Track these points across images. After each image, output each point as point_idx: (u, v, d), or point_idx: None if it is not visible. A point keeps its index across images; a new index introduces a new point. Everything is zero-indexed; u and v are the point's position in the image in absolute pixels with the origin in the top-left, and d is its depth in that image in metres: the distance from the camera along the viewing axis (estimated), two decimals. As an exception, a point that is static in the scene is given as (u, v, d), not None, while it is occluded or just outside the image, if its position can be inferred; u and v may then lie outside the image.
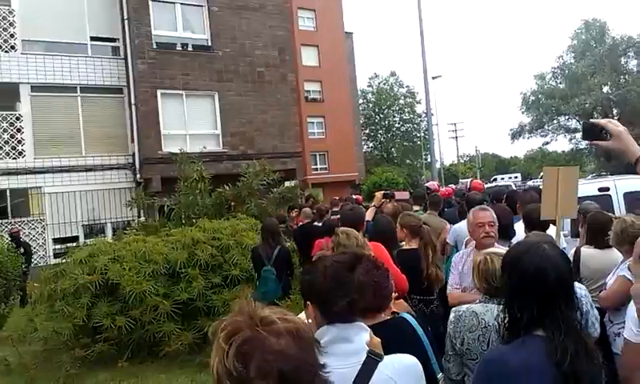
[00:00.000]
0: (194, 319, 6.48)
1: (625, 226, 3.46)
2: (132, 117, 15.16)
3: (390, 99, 56.12)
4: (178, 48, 15.28)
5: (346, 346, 1.61)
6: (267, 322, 0.97)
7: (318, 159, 36.26)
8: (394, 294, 3.26)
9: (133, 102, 15.06)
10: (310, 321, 1.69)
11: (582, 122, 1.93)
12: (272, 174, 10.37)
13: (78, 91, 15.28)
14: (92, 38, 15.56)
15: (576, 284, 3.05)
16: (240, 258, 6.99)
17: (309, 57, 34.47)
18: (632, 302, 2.11)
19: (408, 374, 1.62)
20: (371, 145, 57.40)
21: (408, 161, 56.76)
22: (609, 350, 3.39)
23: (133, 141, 15.33)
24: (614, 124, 1.84)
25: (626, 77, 34.62)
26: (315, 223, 7.91)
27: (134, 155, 15.35)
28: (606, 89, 34.71)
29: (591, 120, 1.93)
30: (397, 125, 57.13)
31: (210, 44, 15.62)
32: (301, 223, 8.52)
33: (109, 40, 15.95)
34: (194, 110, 15.16)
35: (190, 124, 15.04)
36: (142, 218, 12.33)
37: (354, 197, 12.45)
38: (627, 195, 6.57)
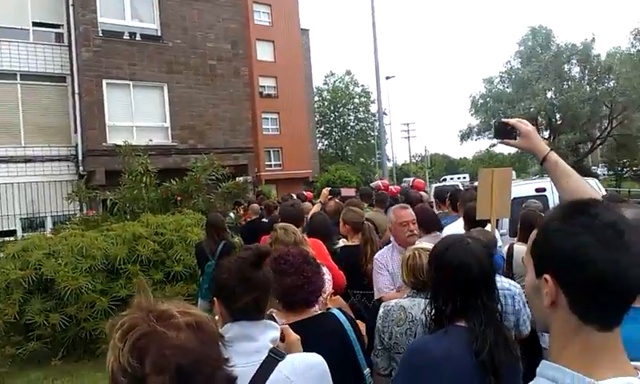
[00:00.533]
0: (133, 316, 6.31)
1: None
2: (75, 106, 14.59)
3: (346, 98, 56.49)
4: (126, 37, 14.76)
5: (248, 344, 1.58)
6: (166, 317, 0.94)
7: (272, 155, 36.06)
8: (329, 290, 3.29)
9: (76, 91, 14.48)
10: (217, 317, 1.67)
11: (494, 122, 1.95)
12: (221, 168, 10.22)
13: (18, 78, 14.52)
14: (34, 24, 14.83)
15: (510, 282, 3.18)
16: (184, 254, 6.87)
17: (264, 52, 34.19)
18: None
19: (307, 373, 1.59)
20: (326, 142, 57.63)
21: (362, 159, 57.35)
22: (538, 345, 3.55)
23: (76, 131, 14.75)
24: (523, 123, 1.91)
25: (569, 83, 36.16)
26: (263, 219, 7.86)
27: (76, 146, 14.76)
28: (549, 94, 36.16)
29: (502, 119, 1.99)
30: (351, 123, 57.59)
31: (159, 34, 15.19)
32: (249, 219, 8.46)
33: (52, 26, 15.27)
34: (141, 101, 14.70)
35: (138, 116, 14.59)
36: (84, 212, 11.85)
37: (304, 193, 12.47)
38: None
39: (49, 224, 14.08)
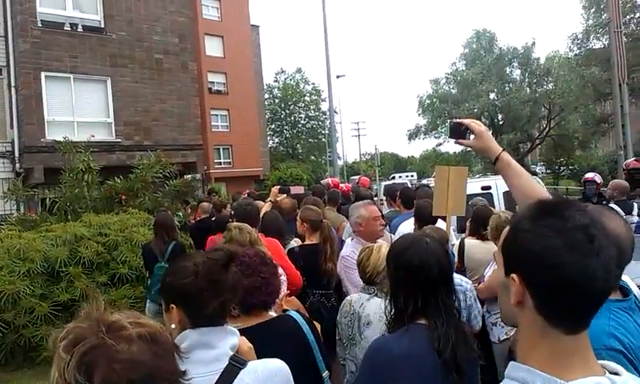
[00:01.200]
0: (76, 321, 6.03)
1: (499, 221, 3.75)
2: (11, 100, 13.73)
3: (296, 95, 56.39)
4: (67, 28, 14.04)
5: (206, 353, 1.50)
6: (116, 328, 0.87)
7: (221, 153, 35.48)
8: (285, 290, 3.25)
9: (13, 84, 13.65)
10: (173, 326, 1.55)
11: (448, 122, 2.01)
12: (169, 166, 9.93)
13: (-52, 70, 13.54)
14: (-34, 13, 13.84)
15: (462, 278, 3.26)
16: (129, 255, 6.64)
17: (213, 47, 33.53)
18: None
19: (271, 380, 1.53)
20: (277, 140, 57.34)
21: (313, 157, 57.46)
22: (487, 339, 3.66)
23: (12, 127, 13.88)
24: (476, 124, 1.94)
25: (510, 85, 37.72)
26: (213, 218, 7.70)
27: (12, 142, 13.91)
28: (492, 95, 37.60)
29: (457, 120, 2.01)
30: (302, 121, 57.57)
31: (102, 26, 14.54)
32: (199, 218, 8.27)
33: (-14, 15, 14.30)
34: (83, 95, 14.04)
35: (79, 111, 13.92)
36: (21, 212, 11.21)
37: (255, 192, 12.33)
38: (506, 193, 7.18)
39: (-19, 225, 13.23)
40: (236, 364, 1.49)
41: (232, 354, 1.53)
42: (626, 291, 1.65)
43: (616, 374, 0.92)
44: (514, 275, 0.94)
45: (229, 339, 1.56)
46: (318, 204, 5.92)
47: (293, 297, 3.37)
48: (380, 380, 1.72)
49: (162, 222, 5.74)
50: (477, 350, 1.90)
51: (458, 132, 1.98)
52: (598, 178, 7.83)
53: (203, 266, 1.59)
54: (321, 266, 4.11)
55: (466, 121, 1.97)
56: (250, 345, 1.64)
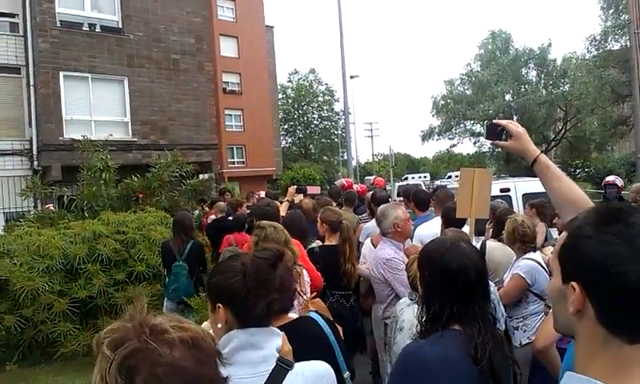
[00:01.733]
0: (94, 318, 6.10)
1: (516, 225, 3.70)
2: (30, 99, 13.95)
3: (310, 96, 56.44)
4: (85, 28, 14.22)
5: (254, 354, 1.48)
6: (158, 331, 0.86)
7: (235, 152, 35.62)
8: (308, 293, 3.24)
9: (32, 83, 13.88)
10: (219, 326, 1.53)
11: (485, 123, 1.96)
12: (185, 165, 9.99)
13: (-30, 69, 13.79)
14: (-12, 13, 14.10)
15: None
16: (147, 254, 6.68)
17: (228, 48, 33.70)
18: None
19: (318, 382, 1.51)
20: (290, 140, 57.43)
21: (325, 157, 57.45)
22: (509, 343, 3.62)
23: (30, 125, 14.09)
24: (514, 125, 1.91)
25: (526, 86, 37.44)
26: (229, 217, 7.73)
27: (31, 140, 14.12)
28: (507, 97, 37.35)
29: (494, 120, 2.00)
30: (315, 122, 57.59)
31: (120, 26, 14.70)
32: (213, 217, 8.29)
33: (7, 15, 14.53)
34: (100, 95, 14.20)
35: (96, 110, 14.08)
36: (39, 209, 11.36)
37: (271, 192, 12.34)
38: (525, 196, 7.10)
39: (1, 221, 13.43)
40: (284, 365, 1.47)
41: (278, 355, 1.51)
42: None
43: None
44: (573, 284, 0.91)
45: (275, 340, 1.54)
46: (328, 203, 5.93)
47: (318, 298, 3.35)
48: None
49: (181, 221, 5.76)
50: (511, 356, 1.85)
51: (495, 133, 1.96)
52: (619, 182, 7.71)
53: (252, 265, 1.58)
54: (340, 266, 4.13)
55: (503, 122, 1.94)
56: (290, 347, 1.62)
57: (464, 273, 1.79)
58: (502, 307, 3.16)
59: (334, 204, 7.15)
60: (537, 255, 3.69)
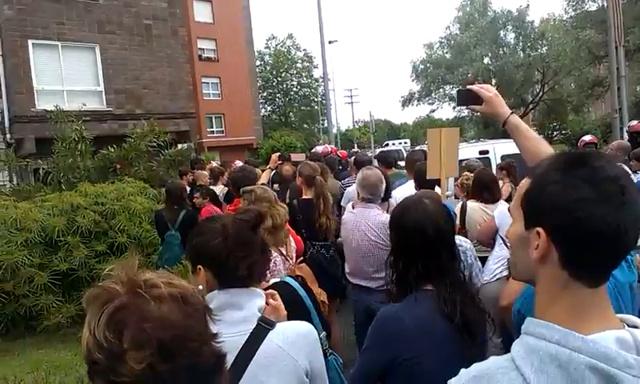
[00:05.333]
0: (76, 290, 6.04)
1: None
2: (-2, 69, 13.46)
3: (288, 62, 55.61)
4: (52, -7, 13.67)
5: (234, 313, 1.48)
6: (148, 286, 0.85)
7: (214, 122, 35.16)
8: (294, 258, 3.25)
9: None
10: (200, 287, 1.52)
11: (457, 89, 1.98)
12: (163, 135, 9.80)
13: None
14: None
15: (461, 238, 3.26)
16: (127, 224, 6.61)
17: (202, 12, 32.81)
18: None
19: (300, 342, 1.51)
20: (269, 109, 56.79)
21: (306, 125, 57.10)
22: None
23: (1, 96, 13.64)
24: (486, 89, 1.97)
25: (504, 49, 37.38)
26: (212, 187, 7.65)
27: (2, 113, 13.69)
28: (486, 60, 37.24)
29: (467, 87, 2.02)
30: (295, 89, 56.94)
31: (89, -9, 14.18)
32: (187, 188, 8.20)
33: (-32, -19, 13.83)
34: (72, 63, 13.78)
35: (68, 79, 13.68)
36: (14, 183, 11.10)
37: (253, 161, 12.20)
38: (504, 157, 7.22)
39: (-26, 197, 13.10)
40: (265, 325, 1.48)
41: (260, 315, 1.51)
42: None
43: (635, 327, 0.90)
44: (539, 229, 0.90)
45: (256, 300, 1.54)
46: (323, 169, 5.90)
47: (303, 264, 3.37)
48: (392, 352, 1.69)
49: (173, 191, 5.79)
50: (485, 309, 1.85)
51: (467, 98, 2.00)
52: (595, 140, 7.88)
53: (232, 226, 1.56)
54: (315, 221, 4.24)
55: (475, 87, 1.98)
56: (285, 312, 1.62)
57: (421, 230, 1.80)
58: (479, 263, 3.22)
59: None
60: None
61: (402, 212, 1.91)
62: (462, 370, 1.00)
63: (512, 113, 1.98)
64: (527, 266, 0.95)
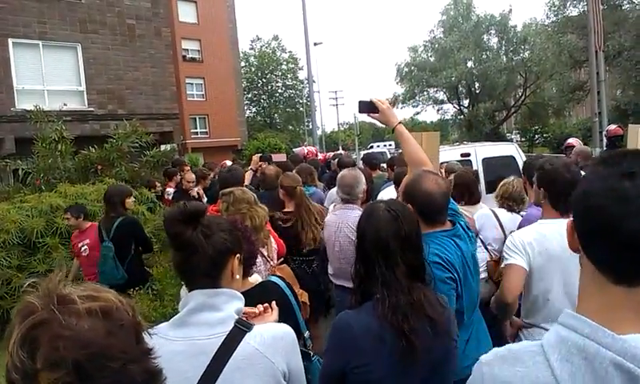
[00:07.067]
0: (56, 292, 5.93)
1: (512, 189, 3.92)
2: (-23, 68, 13.19)
3: (273, 64, 55.51)
4: (33, -8, 13.45)
5: (211, 315, 1.46)
6: (65, 302, 0.79)
7: (198, 123, 34.95)
8: (275, 259, 3.23)
9: (-22, 51, 13.08)
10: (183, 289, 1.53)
11: (359, 101, 2.59)
12: (145, 135, 9.69)
13: None
14: None
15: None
16: (108, 225, 6.50)
17: (186, 13, 32.61)
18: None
19: (277, 344, 1.50)
20: (254, 110, 56.62)
21: (290, 127, 57.05)
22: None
23: (-21, 96, 13.37)
24: (380, 101, 2.58)
25: (487, 53, 37.82)
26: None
27: (-20, 112, 13.42)
28: (469, 64, 37.60)
29: (367, 99, 2.60)
30: (280, 90, 56.87)
31: (71, -11, 13.98)
32: (171, 190, 8.12)
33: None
34: (53, 63, 13.56)
35: (49, 79, 13.46)
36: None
37: (238, 162, 12.17)
38: (485, 160, 7.34)
39: (-50, 198, 12.81)
40: (242, 327, 1.46)
41: (237, 317, 1.50)
42: (455, 221, 2.37)
43: None
44: (569, 220, 0.97)
45: (234, 303, 1.52)
46: (310, 171, 5.86)
47: (284, 265, 3.36)
48: (344, 359, 1.72)
49: (108, 196, 5.06)
50: (440, 312, 1.77)
51: (367, 107, 2.59)
52: (577, 143, 7.99)
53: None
54: (298, 233, 4.10)
55: (374, 99, 2.57)
56: (277, 317, 1.66)
57: (362, 237, 1.85)
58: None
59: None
60: (500, 210, 3.83)
61: (364, 218, 1.91)
62: (493, 349, 1.03)
63: (399, 123, 2.58)
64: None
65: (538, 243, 2.39)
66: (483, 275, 3.48)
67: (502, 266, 2.54)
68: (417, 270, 1.81)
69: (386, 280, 1.74)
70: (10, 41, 12.86)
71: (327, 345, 1.81)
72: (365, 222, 1.86)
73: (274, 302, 1.77)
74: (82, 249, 5.30)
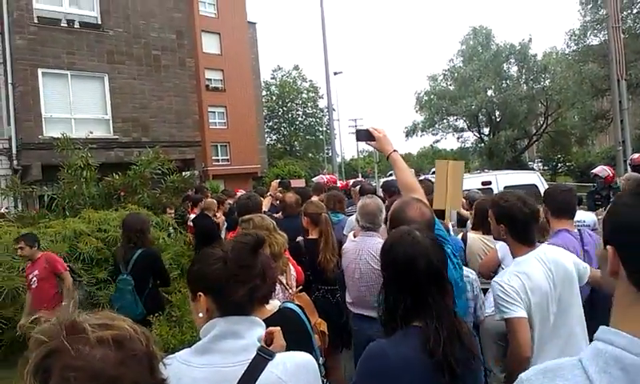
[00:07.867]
0: (76, 318, 5.99)
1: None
2: (8, 97, 13.63)
3: (294, 93, 56.34)
4: (63, 24, 13.97)
5: (235, 342, 1.46)
6: (77, 331, 0.80)
7: (219, 150, 35.43)
8: (294, 287, 3.23)
9: (10, 80, 13.54)
10: (201, 315, 1.50)
11: (356, 129, 2.58)
12: (167, 162, 9.87)
13: (-56, 66, 13.44)
14: (-38, 9, 13.75)
15: (467, 269, 3.24)
16: (129, 251, 6.58)
17: (210, 44, 33.46)
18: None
19: (300, 373, 1.48)
20: (274, 137, 57.29)
21: (310, 154, 57.46)
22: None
23: (9, 124, 13.82)
24: (377, 130, 2.73)
25: (507, 81, 37.79)
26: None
27: (10, 140, 13.84)
28: (490, 92, 37.59)
29: (364, 128, 2.78)
30: (300, 118, 57.53)
31: (99, 22, 14.48)
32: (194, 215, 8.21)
33: (-18, 12, 14.21)
34: (80, 92, 13.97)
35: (76, 107, 13.86)
36: (19, 209, 11.15)
37: (259, 189, 12.25)
38: (506, 188, 7.25)
39: (-22, 222, 13.14)
40: (264, 355, 1.45)
41: (259, 345, 1.49)
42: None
43: None
44: (609, 247, 0.99)
45: (256, 330, 1.52)
46: (341, 199, 5.81)
47: (303, 293, 3.34)
48: None
49: (127, 225, 4.85)
50: (475, 350, 1.78)
51: (365, 136, 2.73)
52: (603, 173, 7.81)
53: (232, 250, 1.55)
54: (320, 260, 4.09)
55: (370, 128, 2.71)
56: (284, 342, 1.60)
57: (411, 264, 1.74)
58: (482, 295, 3.19)
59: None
60: None
61: (391, 244, 1.85)
62: (532, 366, 1.08)
63: (394, 151, 2.69)
64: (608, 280, 1.02)
65: (527, 285, 2.34)
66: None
67: (499, 318, 2.41)
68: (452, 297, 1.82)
69: (439, 309, 1.71)
70: (40, 71, 13.32)
71: (357, 375, 1.78)
72: (411, 249, 1.77)
73: (278, 329, 1.74)
74: (32, 280, 5.17)
